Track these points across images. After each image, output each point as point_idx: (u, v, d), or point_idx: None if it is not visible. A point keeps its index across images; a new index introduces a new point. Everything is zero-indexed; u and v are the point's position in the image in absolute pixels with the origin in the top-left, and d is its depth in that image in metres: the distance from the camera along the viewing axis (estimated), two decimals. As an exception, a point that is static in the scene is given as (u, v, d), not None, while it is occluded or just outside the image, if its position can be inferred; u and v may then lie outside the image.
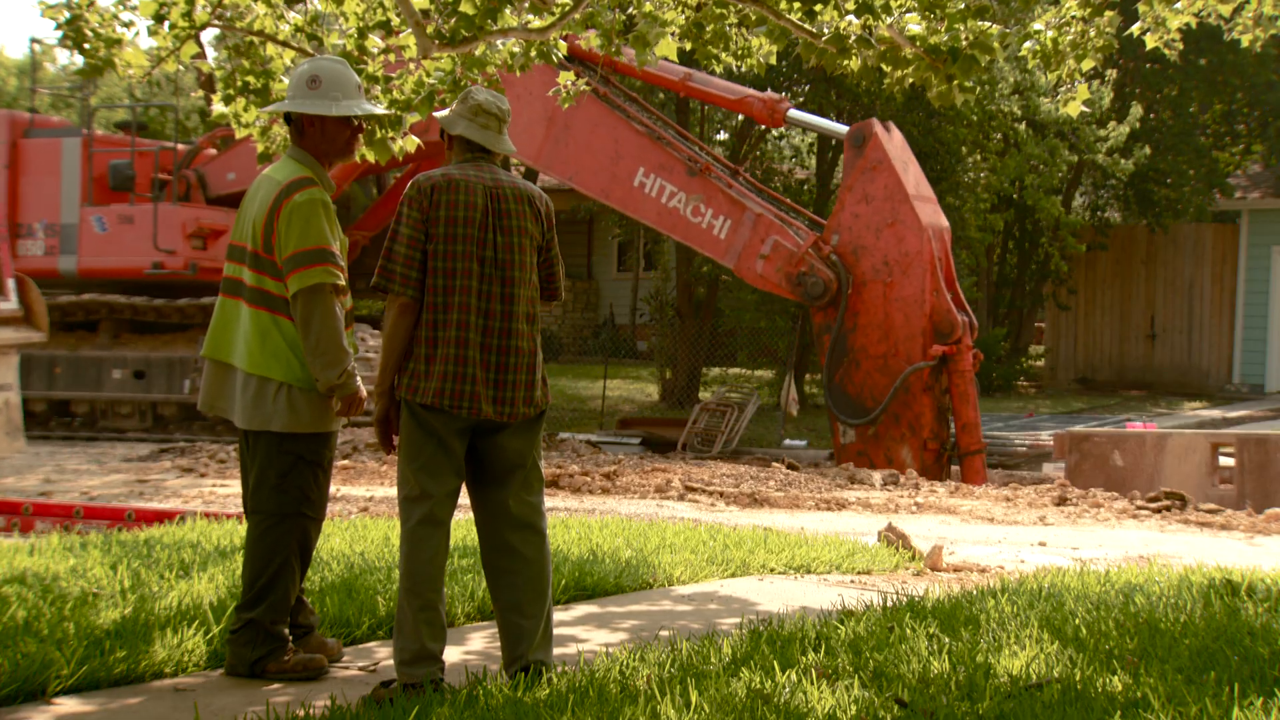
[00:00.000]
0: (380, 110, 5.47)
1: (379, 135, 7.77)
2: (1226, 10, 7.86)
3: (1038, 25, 7.62)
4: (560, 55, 7.96)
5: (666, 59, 7.60)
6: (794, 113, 15.68)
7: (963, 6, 6.78)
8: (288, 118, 5.16)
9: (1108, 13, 7.44)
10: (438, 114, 5.00)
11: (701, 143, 16.59)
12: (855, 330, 14.64)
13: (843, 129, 15.87)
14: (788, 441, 17.63)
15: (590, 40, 7.50)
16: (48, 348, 18.15)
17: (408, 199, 4.70)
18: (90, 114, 19.94)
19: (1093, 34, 7.42)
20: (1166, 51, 7.98)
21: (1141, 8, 7.93)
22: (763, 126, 24.85)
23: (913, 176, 14.82)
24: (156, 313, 17.89)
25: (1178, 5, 7.81)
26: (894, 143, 14.92)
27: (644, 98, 17.96)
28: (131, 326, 18.31)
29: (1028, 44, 7.63)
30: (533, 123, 15.76)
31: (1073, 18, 7.44)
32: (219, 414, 5.12)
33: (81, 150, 18.16)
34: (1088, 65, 7.50)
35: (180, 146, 18.85)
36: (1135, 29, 7.98)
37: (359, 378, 5.01)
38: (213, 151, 18.71)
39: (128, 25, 7.53)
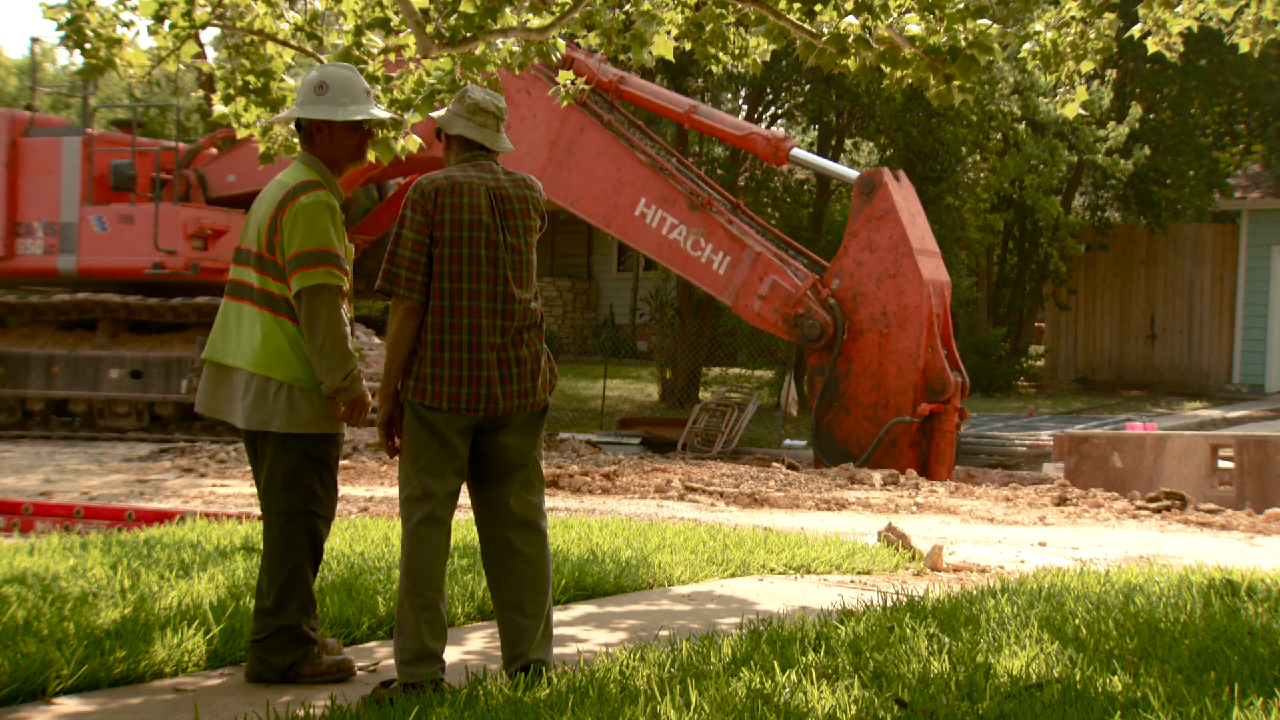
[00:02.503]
0: (387, 115, 5.41)
1: (381, 135, 7.77)
2: (1227, 14, 7.86)
3: (1037, 26, 7.62)
4: (560, 54, 7.96)
5: (664, 59, 7.59)
6: (797, 152, 15.76)
7: (961, 6, 6.78)
8: (298, 125, 5.13)
9: (1108, 14, 7.44)
10: (435, 114, 4.99)
11: (702, 174, 16.63)
12: (848, 377, 14.75)
13: (845, 171, 15.99)
14: (788, 441, 17.63)
15: (590, 39, 7.50)
16: (46, 347, 18.17)
17: (410, 202, 4.69)
18: (90, 114, 19.96)
19: (1092, 35, 7.42)
20: (1169, 55, 7.98)
21: (1141, 10, 7.93)
22: (763, 124, 24.88)
23: (919, 229, 14.92)
24: (152, 312, 17.87)
25: (1178, 9, 7.80)
26: (902, 193, 15.01)
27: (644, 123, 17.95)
28: (129, 326, 18.30)
29: (1027, 45, 7.63)
30: (535, 146, 15.78)
31: (1072, 18, 7.44)
32: (216, 416, 5.10)
33: (81, 150, 18.16)
34: (1087, 67, 7.50)
35: (181, 146, 18.85)
36: (1135, 31, 7.98)
37: (364, 382, 5.00)
38: (213, 151, 18.70)
39: (128, 25, 7.52)
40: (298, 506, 4.92)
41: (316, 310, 4.85)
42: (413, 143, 8.02)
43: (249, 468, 5.17)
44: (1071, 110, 7.80)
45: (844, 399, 14.75)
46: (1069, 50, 7.44)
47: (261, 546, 5.03)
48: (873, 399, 14.57)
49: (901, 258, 14.54)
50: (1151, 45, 7.95)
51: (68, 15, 7.33)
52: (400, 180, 19.46)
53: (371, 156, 7.87)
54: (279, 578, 4.87)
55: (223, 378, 5.04)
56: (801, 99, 22.70)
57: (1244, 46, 8.36)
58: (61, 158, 18.21)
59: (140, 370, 17.71)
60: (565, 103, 9.02)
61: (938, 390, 14.31)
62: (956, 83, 6.94)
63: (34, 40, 30.88)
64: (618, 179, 15.85)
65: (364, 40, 7.75)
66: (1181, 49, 8.06)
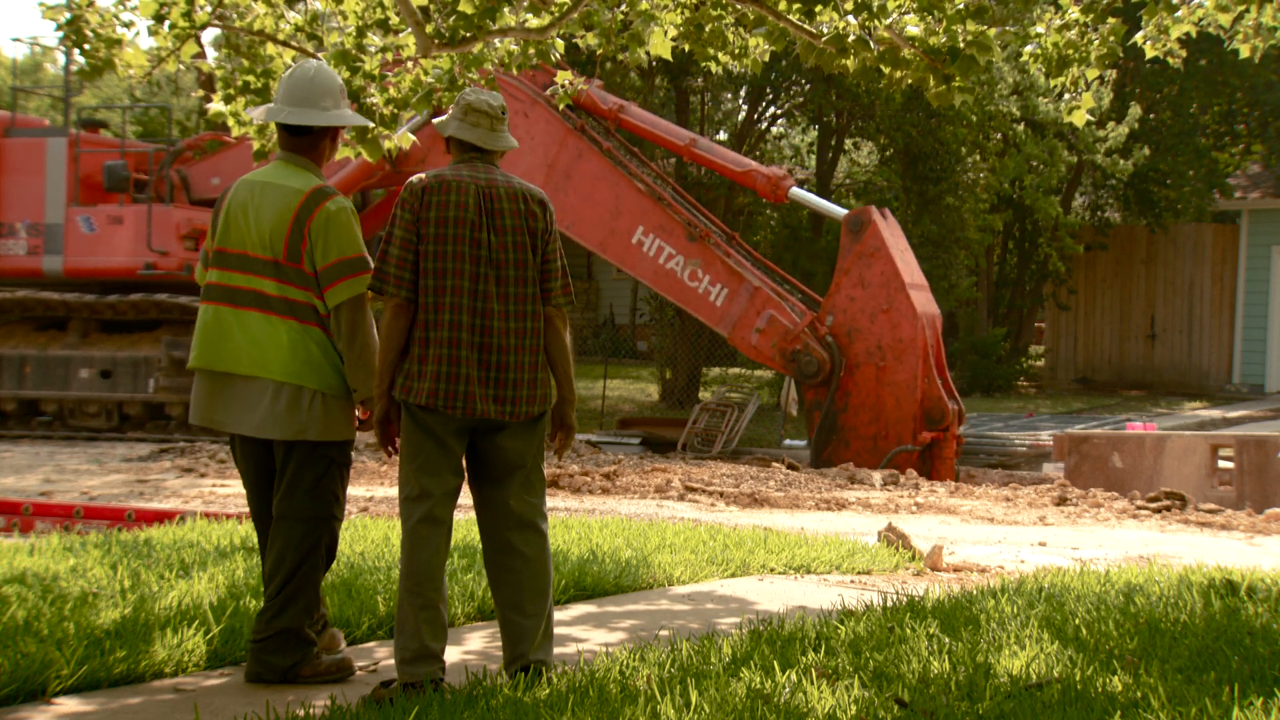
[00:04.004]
0: (334, 120, 5.03)
1: (371, 134, 7.74)
2: (1226, 20, 7.86)
3: (1039, 29, 7.61)
4: (559, 55, 7.95)
5: (663, 59, 7.60)
6: (796, 190, 15.93)
7: (961, 7, 6.78)
8: (289, 125, 5.06)
9: (1111, 19, 7.43)
10: (435, 120, 4.97)
11: (699, 205, 16.69)
12: (846, 410, 14.90)
13: (837, 210, 16.10)
14: (788, 441, 17.64)
15: (588, 39, 7.50)
16: (19, 347, 18.20)
17: (400, 201, 4.71)
18: (77, 114, 19.97)
19: (1096, 41, 7.42)
20: (1170, 60, 7.98)
21: (1145, 15, 7.92)
22: (763, 124, 24.91)
23: (908, 264, 15.15)
24: (89, 310, 17.87)
25: (1179, 14, 7.80)
26: (890, 229, 15.22)
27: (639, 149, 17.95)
28: (100, 326, 18.31)
29: (1028, 47, 7.63)
30: (532, 169, 15.83)
31: (1074, 21, 7.44)
32: (217, 427, 4.96)
33: (67, 150, 18.15)
34: (1093, 74, 7.48)
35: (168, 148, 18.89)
36: (1138, 38, 7.98)
37: None
38: (191, 154, 18.73)
39: (128, 25, 7.51)
40: (323, 512, 4.91)
41: (358, 319, 4.83)
42: (406, 140, 8.01)
43: (250, 469, 5.12)
44: (1080, 118, 7.76)
45: (843, 432, 14.91)
46: (1071, 54, 7.43)
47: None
48: (872, 431, 14.74)
49: (894, 293, 14.76)
50: (1151, 51, 7.94)
51: (67, 15, 7.33)
52: (394, 187, 19.48)
53: (371, 157, 7.88)
54: (290, 581, 4.83)
55: (223, 387, 4.92)
56: (801, 99, 22.71)
57: (1244, 52, 8.35)
58: (46, 158, 18.20)
59: (109, 370, 17.73)
60: (564, 104, 9.01)
61: (936, 419, 14.54)
62: (956, 83, 6.94)
63: (17, 39, 30.89)
64: (615, 206, 15.93)
65: (365, 40, 7.75)
66: (1184, 54, 8.05)
